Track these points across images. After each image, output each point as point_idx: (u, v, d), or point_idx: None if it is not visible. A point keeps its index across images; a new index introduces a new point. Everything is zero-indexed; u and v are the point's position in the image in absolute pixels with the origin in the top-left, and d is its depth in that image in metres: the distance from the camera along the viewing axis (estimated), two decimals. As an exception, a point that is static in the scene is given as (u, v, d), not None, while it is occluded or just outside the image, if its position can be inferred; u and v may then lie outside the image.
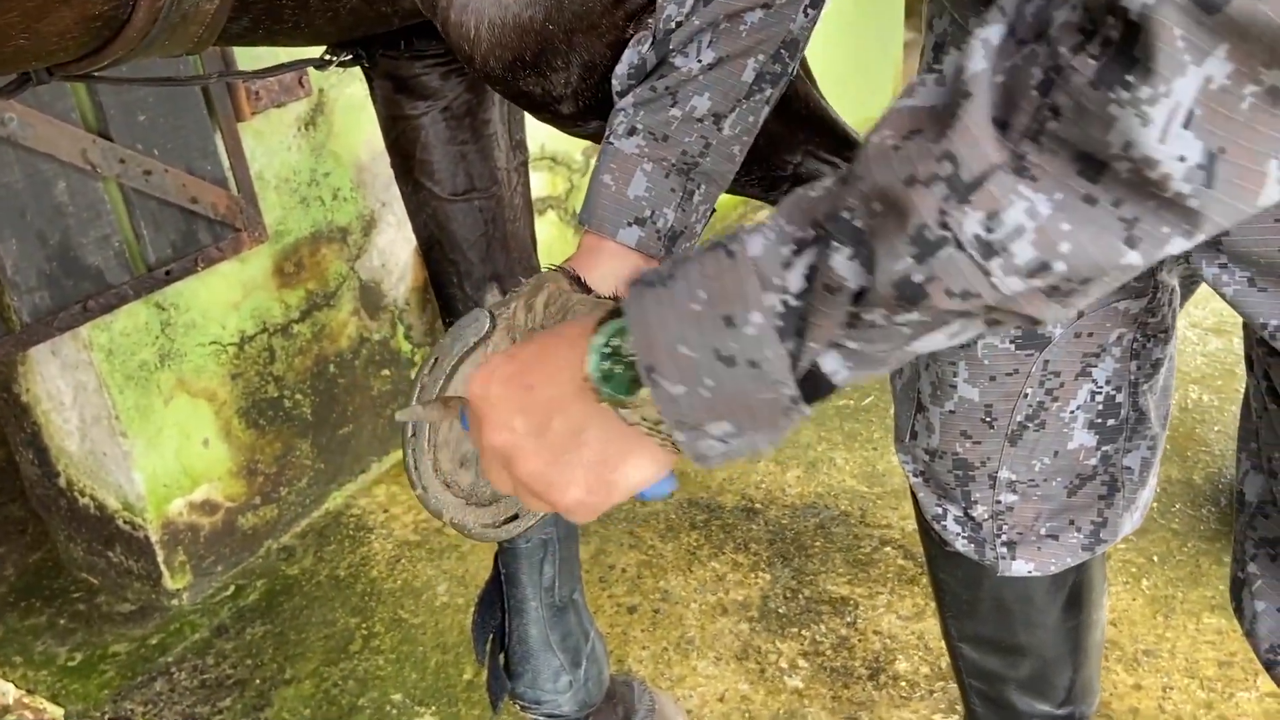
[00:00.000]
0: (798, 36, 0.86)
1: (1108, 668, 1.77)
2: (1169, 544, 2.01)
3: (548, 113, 1.03)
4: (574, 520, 0.63)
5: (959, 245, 0.45)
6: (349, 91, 2.08)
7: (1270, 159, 0.41)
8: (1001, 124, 0.44)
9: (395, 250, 2.29)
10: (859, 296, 0.49)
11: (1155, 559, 1.98)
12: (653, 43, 0.86)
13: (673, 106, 0.86)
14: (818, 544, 2.09)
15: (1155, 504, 2.12)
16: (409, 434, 0.83)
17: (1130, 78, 0.40)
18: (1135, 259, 0.45)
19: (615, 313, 0.58)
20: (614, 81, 0.89)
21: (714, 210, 0.93)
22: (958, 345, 0.97)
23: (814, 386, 0.53)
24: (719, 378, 0.52)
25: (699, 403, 0.53)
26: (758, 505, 2.21)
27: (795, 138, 1.32)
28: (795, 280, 0.50)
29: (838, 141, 1.38)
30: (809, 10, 0.84)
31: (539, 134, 1.81)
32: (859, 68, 3.50)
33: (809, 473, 2.30)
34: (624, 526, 2.17)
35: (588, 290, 0.86)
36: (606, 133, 0.89)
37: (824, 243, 0.49)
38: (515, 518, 0.80)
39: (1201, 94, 0.39)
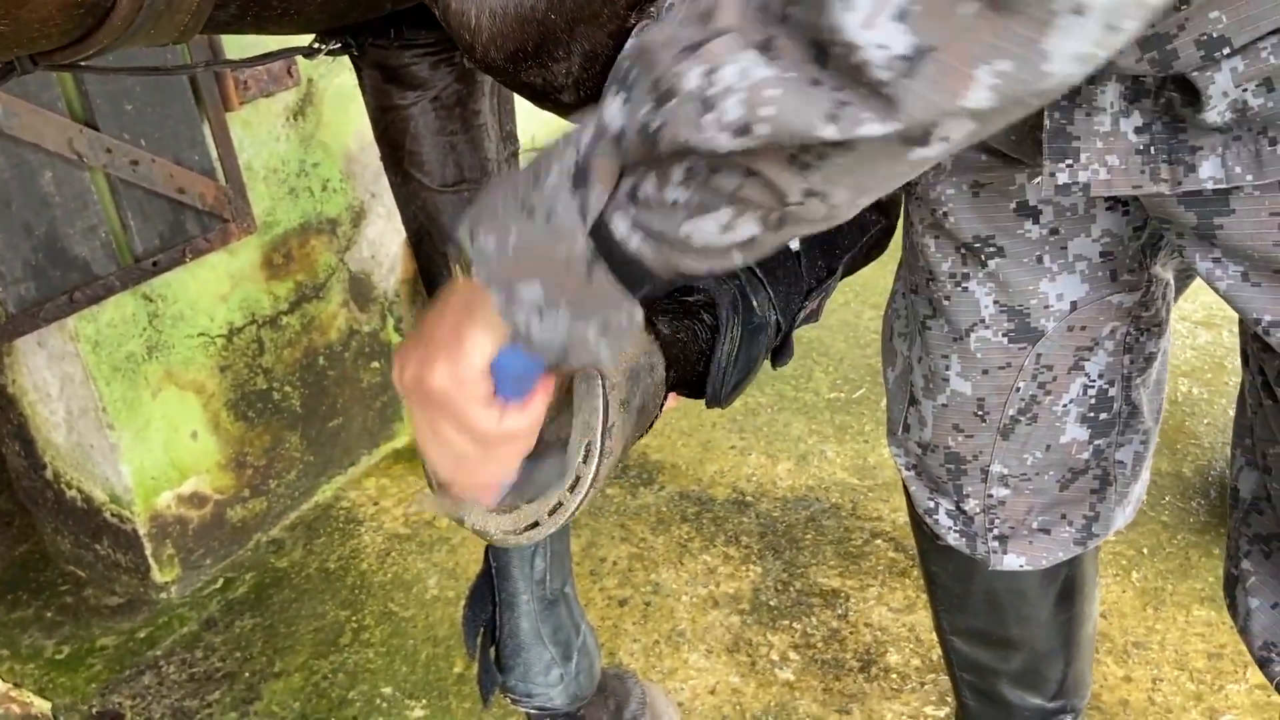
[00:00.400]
0: None
1: (1098, 659, 1.77)
2: (1159, 536, 2.02)
3: (550, 102, 1.02)
4: (485, 435, 0.65)
5: (683, 96, 0.49)
6: (338, 81, 2.06)
7: (982, 64, 0.42)
8: (762, 6, 0.47)
9: (385, 242, 2.27)
10: (618, 140, 0.53)
11: (1145, 551, 1.99)
12: None
13: None
14: (809, 537, 2.09)
15: (1145, 496, 2.12)
16: None
17: None
18: (830, 132, 0.47)
19: None
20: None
21: None
22: (950, 339, 0.97)
23: (610, 253, 0.55)
24: (522, 229, 0.56)
25: (505, 257, 0.57)
26: (749, 498, 2.21)
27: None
28: (586, 136, 0.55)
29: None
30: None
31: (530, 126, 1.80)
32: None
33: (800, 465, 2.29)
34: (615, 520, 2.17)
35: None
36: None
37: (604, 93, 0.54)
38: (535, 525, 0.81)
39: None
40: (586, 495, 0.80)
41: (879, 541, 2.06)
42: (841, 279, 1.05)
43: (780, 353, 0.97)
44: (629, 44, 0.55)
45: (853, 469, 2.27)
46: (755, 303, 1.00)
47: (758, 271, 1.14)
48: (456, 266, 0.63)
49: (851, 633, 1.87)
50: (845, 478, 2.25)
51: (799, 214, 0.52)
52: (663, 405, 0.88)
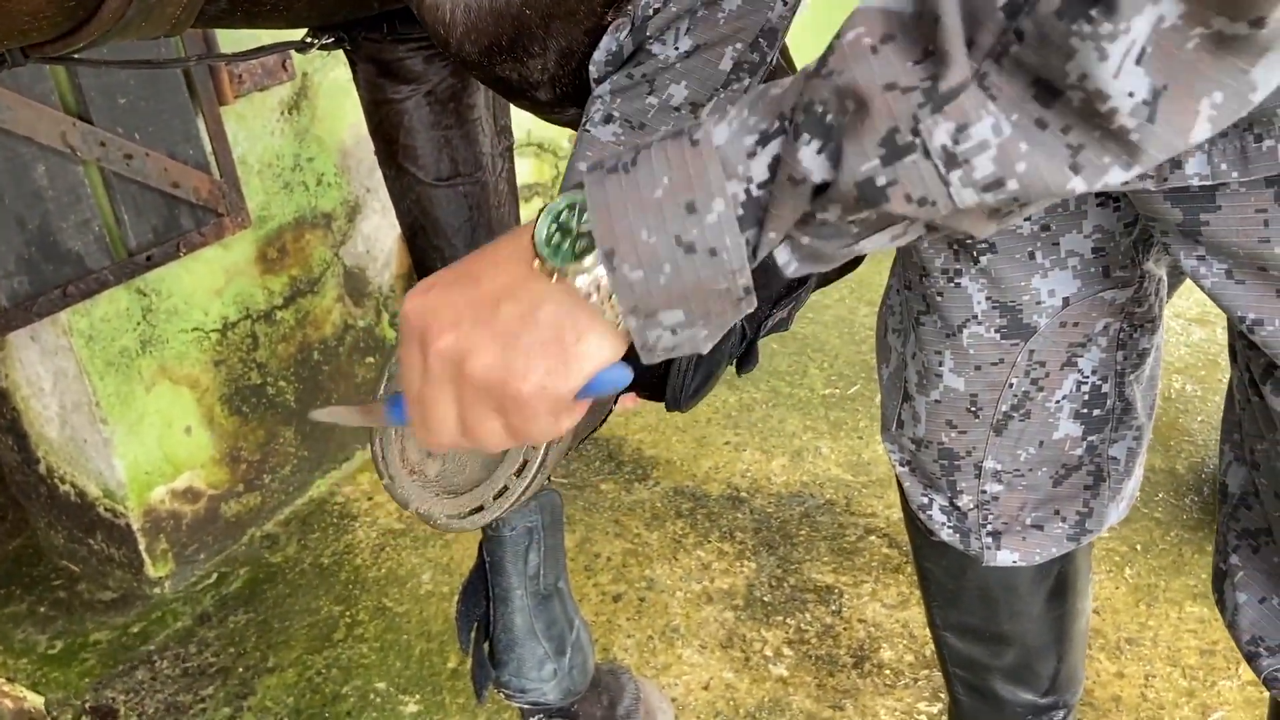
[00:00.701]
0: (776, 26, 0.85)
1: (1091, 656, 1.78)
2: (1152, 533, 2.02)
3: (525, 99, 1.02)
4: (537, 432, 0.60)
5: (926, 153, 0.47)
6: (333, 75, 2.06)
7: (1204, 98, 0.42)
8: (969, 42, 0.45)
9: (380, 236, 2.27)
10: (820, 190, 0.50)
11: (1138, 548, 1.99)
12: (630, 29, 0.86)
13: (649, 94, 0.85)
14: (803, 532, 2.09)
15: (1139, 493, 2.13)
16: (382, 395, 0.83)
17: (1094, 12, 0.41)
18: (1079, 184, 0.46)
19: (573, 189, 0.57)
20: (591, 68, 0.89)
21: None
22: (943, 335, 0.97)
23: (766, 277, 0.54)
24: (678, 264, 0.52)
25: (656, 289, 0.53)
26: (743, 494, 2.21)
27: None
28: (759, 170, 0.51)
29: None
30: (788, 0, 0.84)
31: (525, 120, 1.80)
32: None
33: (794, 461, 2.29)
34: (609, 515, 2.17)
35: None
36: (583, 120, 0.88)
37: (792, 134, 0.50)
38: (480, 509, 0.81)
39: (1154, 31, 0.41)
40: (533, 480, 0.79)
41: (873, 538, 2.06)
42: (816, 289, 1.04)
43: (745, 360, 0.97)
44: (808, 83, 0.50)
45: (847, 465, 2.27)
46: None
47: None
48: (541, 259, 0.56)
49: (845, 629, 1.87)
50: (840, 474, 2.25)
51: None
52: (616, 399, 0.87)
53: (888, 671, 1.78)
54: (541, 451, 0.79)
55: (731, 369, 1.03)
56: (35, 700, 1.77)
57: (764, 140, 0.50)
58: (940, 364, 0.97)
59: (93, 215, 1.71)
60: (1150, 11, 0.40)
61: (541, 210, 0.57)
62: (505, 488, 0.80)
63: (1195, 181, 0.71)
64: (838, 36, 0.49)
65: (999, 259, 0.91)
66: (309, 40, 1.22)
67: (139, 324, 1.89)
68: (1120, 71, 0.42)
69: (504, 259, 0.58)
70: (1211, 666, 1.74)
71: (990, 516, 1.03)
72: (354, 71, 1.33)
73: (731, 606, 1.93)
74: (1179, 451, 2.21)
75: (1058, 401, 0.96)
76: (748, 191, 0.51)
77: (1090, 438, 0.99)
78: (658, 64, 0.85)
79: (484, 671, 1.54)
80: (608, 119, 0.87)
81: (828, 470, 2.26)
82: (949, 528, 1.06)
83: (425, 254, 1.39)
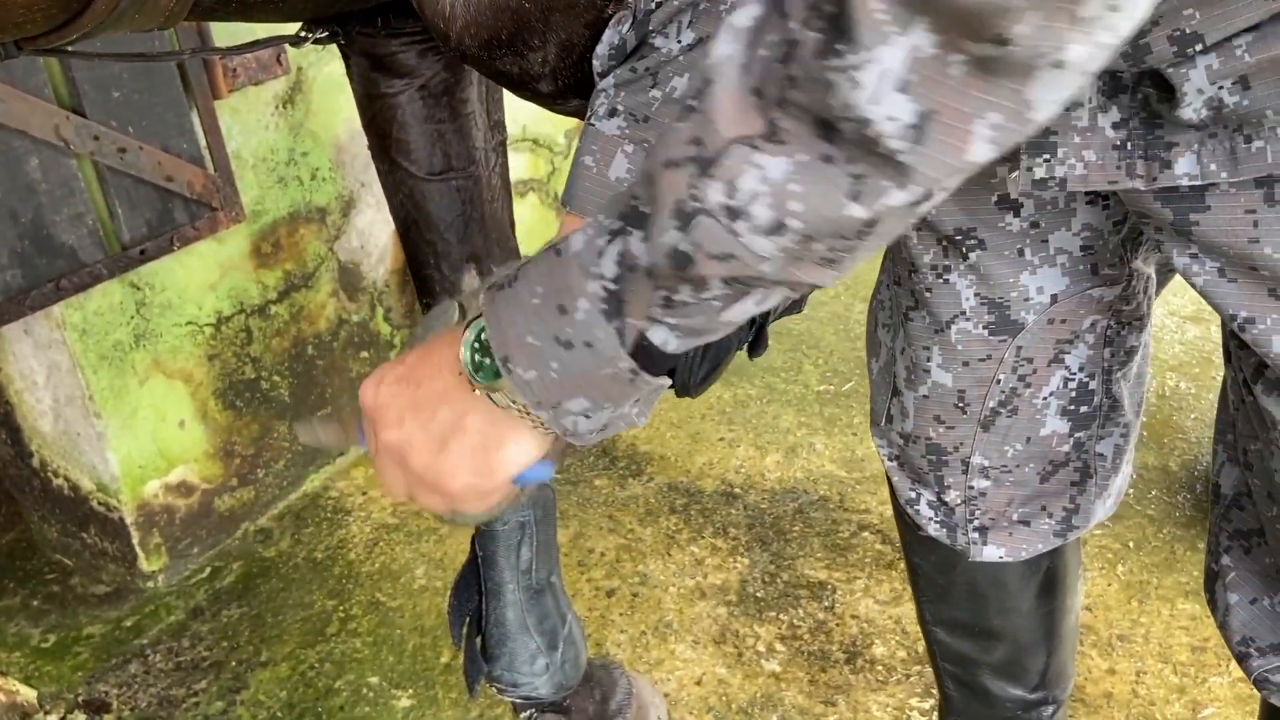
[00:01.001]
0: None
1: (1082, 652, 1.78)
2: (1144, 530, 2.03)
3: (527, 91, 1.02)
4: (465, 515, 0.68)
5: (709, 214, 0.51)
6: (328, 70, 2.06)
7: (977, 119, 0.44)
8: (758, 92, 0.48)
9: (374, 231, 2.27)
10: (650, 272, 0.55)
11: (1131, 545, 2.00)
12: (633, 23, 0.86)
13: (653, 87, 0.86)
14: (796, 529, 2.10)
15: (1131, 490, 2.13)
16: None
17: (840, 46, 0.44)
18: (859, 211, 0.49)
19: (474, 317, 0.64)
20: (594, 62, 0.89)
21: None
22: (931, 330, 0.97)
23: (649, 358, 0.59)
24: (561, 360, 0.58)
25: (551, 384, 0.59)
26: (737, 490, 2.21)
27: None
28: (609, 267, 0.56)
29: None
30: None
31: (521, 116, 1.80)
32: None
33: (788, 458, 2.30)
34: (603, 511, 2.17)
35: None
36: (588, 114, 0.88)
37: (625, 230, 0.55)
38: None
39: (912, 61, 0.43)
40: None
41: (866, 534, 2.06)
42: None
43: (756, 345, 0.98)
44: (624, 190, 0.56)
45: (841, 461, 2.27)
46: None
47: None
48: (468, 379, 0.64)
49: (838, 624, 1.87)
50: (833, 470, 2.25)
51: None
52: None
53: (880, 667, 1.78)
54: None
55: (743, 354, 1.04)
56: (28, 694, 1.77)
57: (611, 239, 0.56)
58: (929, 360, 0.98)
59: (86, 209, 1.71)
60: (901, 42, 0.42)
61: (465, 331, 0.64)
62: None
63: (1185, 182, 0.71)
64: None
65: (988, 255, 0.91)
66: (303, 34, 1.22)
67: (133, 318, 1.89)
68: (878, 98, 0.44)
69: (441, 367, 0.65)
70: (1202, 663, 1.74)
71: (977, 512, 1.04)
72: (348, 65, 1.33)
73: (724, 602, 1.93)
74: (1172, 449, 2.22)
75: (1045, 398, 0.97)
76: (605, 288, 0.56)
77: (1077, 434, 0.99)
78: (661, 57, 0.85)
79: (476, 666, 1.54)
80: (612, 112, 0.87)
81: (822, 466, 2.27)
82: (936, 523, 1.07)
83: (418, 248, 1.39)
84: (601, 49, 0.89)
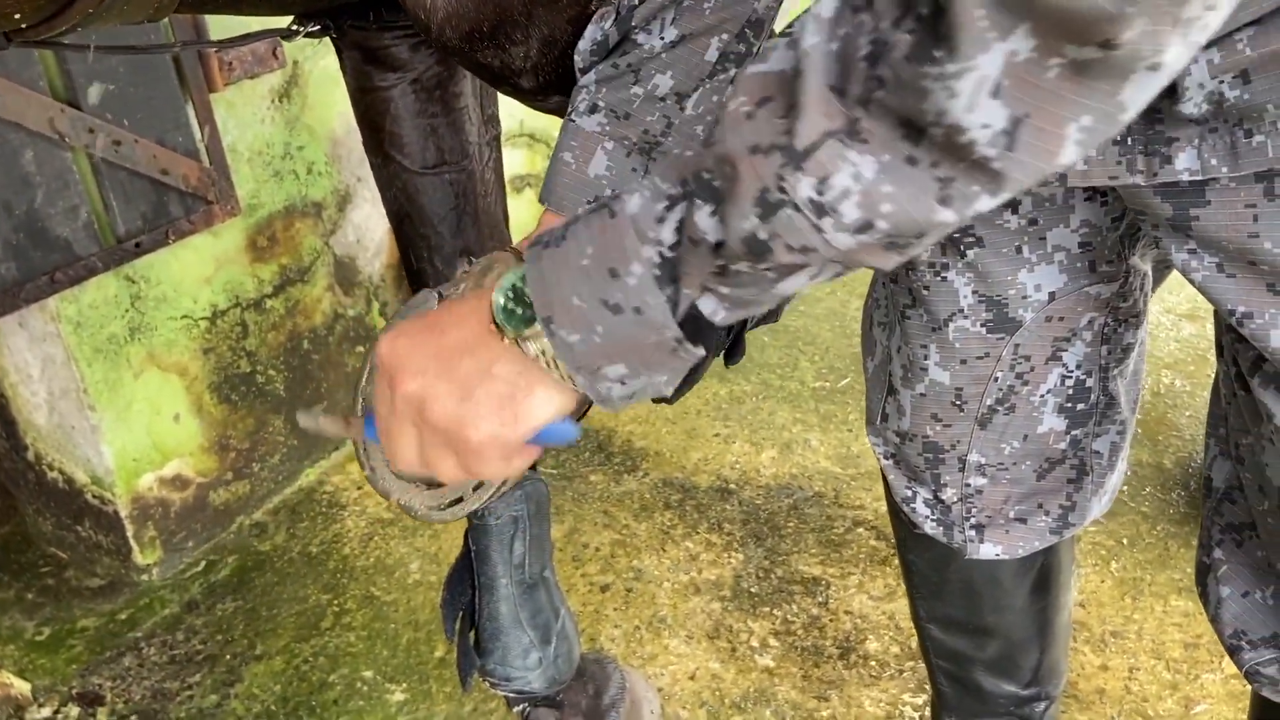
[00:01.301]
0: (763, 17, 0.85)
1: (1075, 648, 1.78)
2: (1138, 527, 2.03)
3: (508, 86, 1.02)
4: (488, 473, 0.65)
5: (795, 207, 0.50)
6: (324, 64, 2.05)
7: (1070, 123, 0.44)
8: (839, 91, 0.47)
9: (370, 226, 2.27)
10: (717, 249, 0.54)
11: (1125, 541, 2.00)
12: (615, 19, 0.86)
13: (635, 84, 0.86)
14: (791, 524, 2.10)
15: (1125, 487, 2.13)
16: (358, 414, 0.85)
17: (938, 53, 0.43)
18: (949, 216, 0.49)
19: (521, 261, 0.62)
20: (576, 57, 0.89)
21: None
22: (929, 328, 0.97)
23: (696, 328, 0.58)
24: (608, 325, 0.57)
25: (593, 348, 0.58)
26: (732, 485, 2.21)
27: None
28: (668, 234, 0.55)
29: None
30: None
31: (517, 111, 1.79)
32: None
33: (784, 454, 2.30)
34: (598, 506, 2.17)
35: None
36: (569, 109, 0.88)
37: (690, 200, 0.54)
38: (459, 500, 0.82)
39: (1007, 66, 0.42)
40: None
41: (861, 530, 2.06)
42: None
43: (732, 352, 0.98)
44: (701, 152, 0.54)
45: (836, 458, 2.27)
46: None
47: None
48: (498, 327, 0.63)
49: (831, 620, 1.87)
50: (829, 466, 2.25)
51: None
52: None
53: (873, 663, 1.79)
54: None
55: (719, 360, 1.03)
56: (22, 686, 1.77)
57: (670, 205, 0.55)
58: (926, 358, 0.97)
59: (81, 201, 1.70)
60: (999, 48, 0.42)
61: (500, 279, 0.62)
62: (483, 481, 0.80)
63: (1185, 177, 0.71)
64: (724, 104, 0.53)
65: (985, 253, 0.91)
66: (294, 28, 1.21)
67: (127, 311, 1.89)
68: (974, 106, 0.43)
69: (468, 316, 0.64)
70: (1195, 660, 1.74)
71: (974, 510, 1.03)
72: (341, 59, 1.33)
73: (719, 597, 1.93)
74: (1166, 446, 2.22)
75: (1042, 396, 0.97)
76: (661, 254, 0.56)
77: (1074, 432, 0.99)
78: (643, 54, 0.85)
79: (469, 660, 1.54)
80: (593, 109, 0.87)
81: (817, 463, 2.27)
82: (933, 520, 1.07)
83: (411, 242, 1.39)
84: (583, 44, 0.89)
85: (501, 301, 0.61)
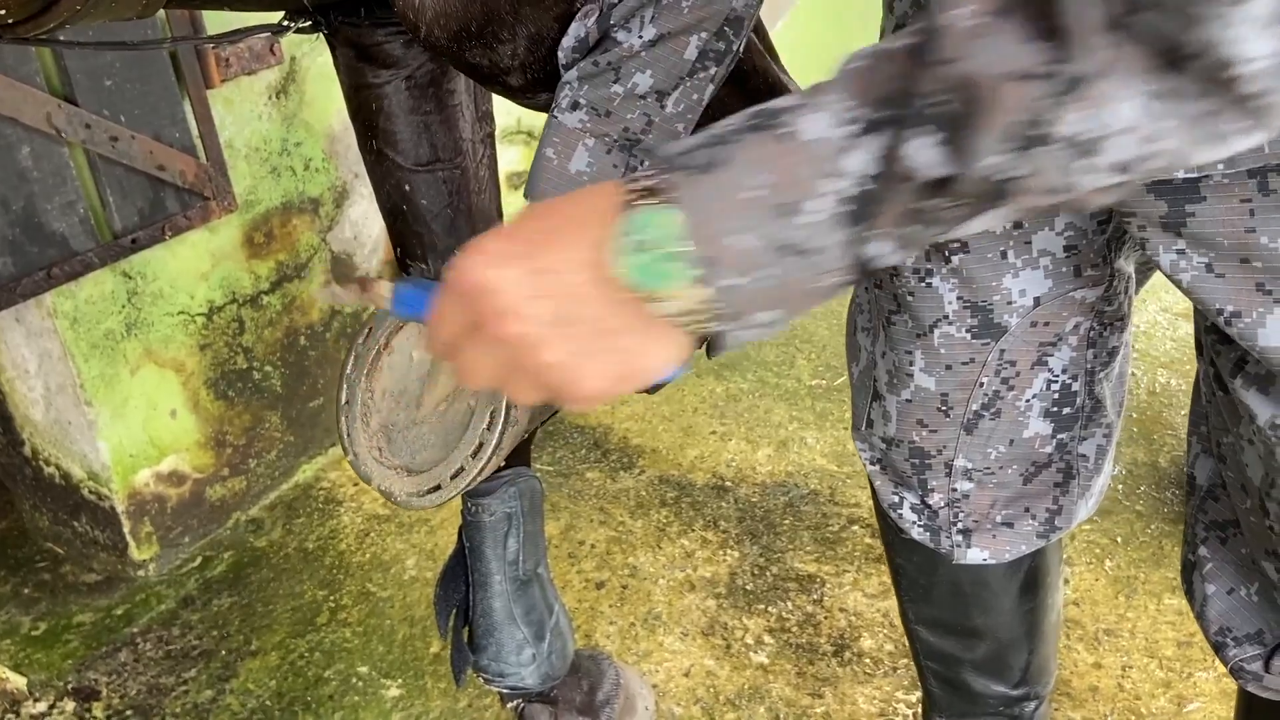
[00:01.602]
0: (742, 14, 0.86)
1: (1069, 646, 1.79)
2: (1133, 525, 2.03)
3: (497, 84, 1.02)
4: (578, 407, 0.58)
5: (1053, 143, 0.45)
6: (321, 60, 2.05)
7: None
8: (1107, 17, 0.43)
9: (367, 222, 2.27)
10: (938, 185, 0.47)
11: (1119, 540, 2.00)
12: (597, 16, 0.86)
13: (615, 83, 0.86)
14: (786, 522, 2.10)
15: (1120, 486, 2.14)
16: (343, 401, 0.86)
17: None
18: (1207, 155, 0.45)
19: (630, 200, 0.53)
20: (560, 54, 0.89)
21: None
22: (914, 334, 0.97)
23: (858, 269, 0.51)
24: (776, 267, 0.49)
25: (755, 293, 0.50)
26: (728, 483, 2.22)
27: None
28: (859, 164, 0.47)
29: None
30: None
31: (515, 107, 1.78)
32: (840, 44, 3.48)
33: (780, 451, 2.30)
34: (594, 503, 2.17)
35: None
36: (552, 106, 0.89)
37: (898, 125, 0.46)
38: (437, 488, 0.84)
39: None
40: (489, 461, 0.82)
41: (856, 528, 2.07)
42: None
43: (715, 345, 0.98)
44: (917, 70, 0.46)
45: (832, 456, 2.27)
46: None
47: None
48: (622, 283, 0.53)
49: (826, 617, 1.88)
50: (824, 464, 2.26)
51: None
52: None
53: (867, 660, 1.79)
54: (496, 435, 0.82)
55: (701, 353, 1.03)
56: (18, 681, 1.78)
57: (865, 131, 0.47)
58: (911, 363, 0.97)
59: (77, 197, 1.71)
60: None
61: (623, 219, 0.52)
62: (461, 468, 0.83)
63: (1180, 173, 0.71)
64: (941, 17, 0.45)
65: (970, 258, 0.91)
66: (285, 23, 1.21)
67: (124, 307, 1.89)
68: (1245, 37, 0.41)
69: (575, 254, 0.54)
70: (1188, 658, 1.75)
71: (961, 514, 1.04)
72: (334, 56, 1.33)
73: (714, 594, 1.94)
74: (1161, 445, 2.22)
75: (1028, 400, 0.97)
76: (848, 189, 0.48)
77: (1060, 435, 0.99)
78: (623, 52, 0.85)
79: (463, 656, 1.54)
80: (574, 106, 0.88)
81: (813, 460, 2.27)
82: (919, 526, 1.07)
83: (405, 239, 1.39)
84: (567, 41, 0.90)
85: (630, 261, 0.52)
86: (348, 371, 0.86)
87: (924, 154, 0.46)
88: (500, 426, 0.81)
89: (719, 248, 0.49)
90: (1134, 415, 2.33)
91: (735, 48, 0.88)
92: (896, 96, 0.46)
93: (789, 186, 0.48)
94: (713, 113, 1.20)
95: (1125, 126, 0.44)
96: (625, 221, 0.51)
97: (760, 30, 1.40)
